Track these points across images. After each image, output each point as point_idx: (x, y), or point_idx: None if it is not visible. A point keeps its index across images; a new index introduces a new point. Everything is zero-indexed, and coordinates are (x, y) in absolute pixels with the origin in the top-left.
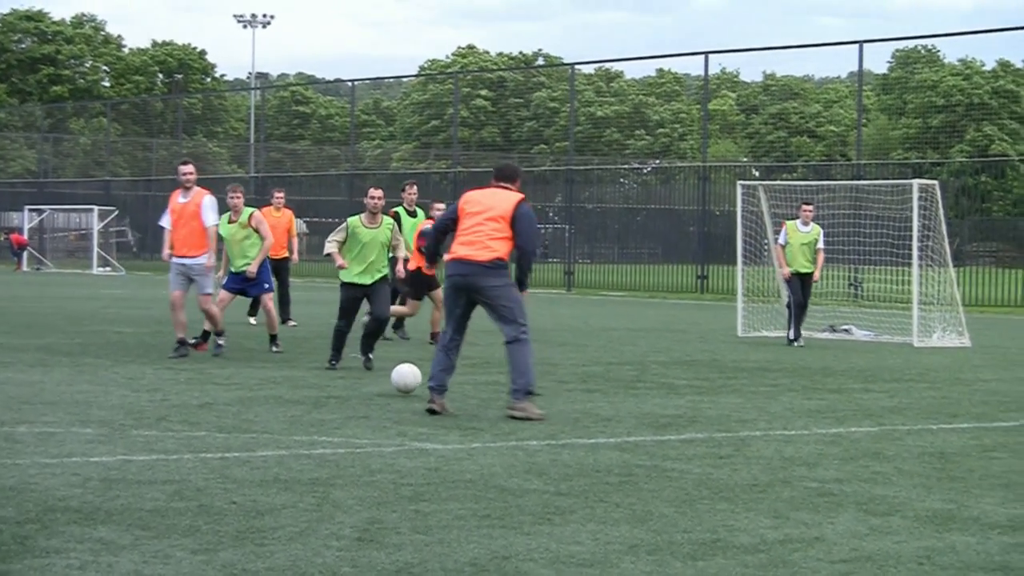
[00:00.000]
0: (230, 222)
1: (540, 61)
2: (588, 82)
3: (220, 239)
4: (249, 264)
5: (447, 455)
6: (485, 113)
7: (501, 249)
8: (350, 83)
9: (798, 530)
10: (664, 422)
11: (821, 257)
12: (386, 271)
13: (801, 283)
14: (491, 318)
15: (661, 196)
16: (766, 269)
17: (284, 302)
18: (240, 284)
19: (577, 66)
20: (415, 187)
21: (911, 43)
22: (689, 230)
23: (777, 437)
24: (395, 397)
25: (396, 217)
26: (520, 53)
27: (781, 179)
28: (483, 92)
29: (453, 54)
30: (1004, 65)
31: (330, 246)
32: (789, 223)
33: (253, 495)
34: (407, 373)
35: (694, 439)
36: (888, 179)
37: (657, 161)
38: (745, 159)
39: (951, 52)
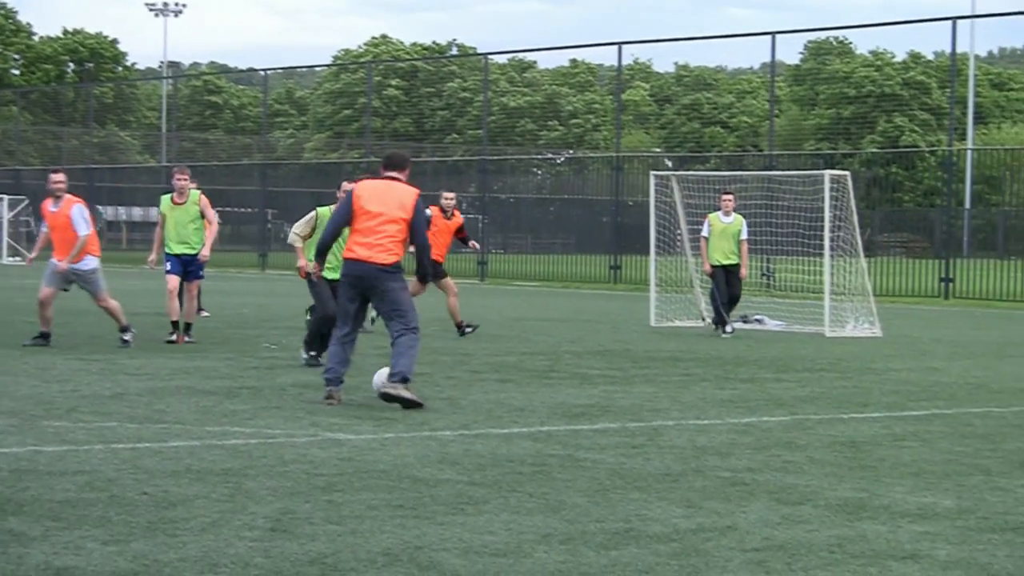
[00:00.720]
0: (174, 203)
1: (454, 51)
2: (501, 72)
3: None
4: (197, 249)
5: (360, 445)
6: (398, 103)
7: (401, 252)
8: (263, 72)
9: (710, 519)
10: (577, 412)
11: (745, 248)
12: None
13: (726, 275)
14: (381, 312)
15: (574, 186)
16: (679, 259)
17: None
18: (183, 267)
19: (491, 56)
20: None
21: (823, 34)
22: (602, 220)
23: (690, 427)
24: (308, 387)
25: None
26: (434, 43)
27: (694, 170)
28: (394, 82)
29: (366, 44)
30: (915, 57)
31: (294, 239)
32: (711, 215)
33: (165, 486)
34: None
35: (607, 429)
36: (800, 170)
37: (570, 151)
38: (658, 149)
39: (862, 43)
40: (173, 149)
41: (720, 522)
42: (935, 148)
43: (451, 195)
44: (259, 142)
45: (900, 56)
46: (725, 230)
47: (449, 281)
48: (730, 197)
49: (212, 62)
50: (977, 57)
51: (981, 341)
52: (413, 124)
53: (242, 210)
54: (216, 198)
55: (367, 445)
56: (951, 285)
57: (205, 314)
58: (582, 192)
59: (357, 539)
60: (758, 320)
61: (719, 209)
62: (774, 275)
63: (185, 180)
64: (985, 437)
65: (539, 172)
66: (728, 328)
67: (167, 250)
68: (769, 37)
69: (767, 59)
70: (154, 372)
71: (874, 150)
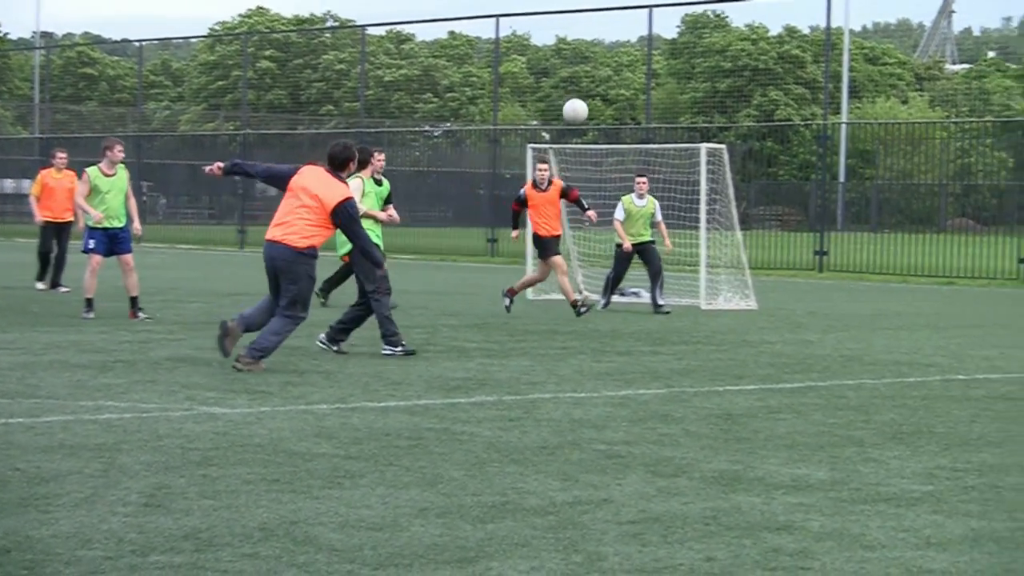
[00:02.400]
0: (105, 175)
1: (330, 22)
2: (378, 44)
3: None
4: (124, 222)
5: (235, 419)
6: (272, 75)
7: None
8: (137, 43)
9: (587, 492)
10: (454, 385)
11: (663, 228)
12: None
13: (643, 251)
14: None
15: (451, 159)
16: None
17: (59, 267)
18: (109, 242)
19: (368, 28)
20: (383, 155)
21: (700, 8)
22: (479, 193)
23: (566, 399)
24: (183, 361)
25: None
26: (312, 14)
27: (571, 143)
28: (268, 53)
29: (240, 15)
30: (790, 31)
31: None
32: (624, 198)
33: (37, 461)
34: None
35: (484, 402)
36: (677, 143)
37: (447, 124)
38: (535, 122)
39: (738, 17)
40: (46, 121)
41: (596, 495)
42: (810, 122)
43: (544, 166)
44: (134, 113)
45: (776, 30)
46: (639, 213)
47: (558, 259)
48: (644, 180)
49: (86, 32)
50: (851, 31)
51: (855, 314)
52: (288, 96)
53: None
54: None
55: (242, 419)
56: (825, 258)
57: (65, 289)
58: (459, 165)
59: (232, 514)
60: (634, 293)
61: (632, 191)
62: None
63: (122, 153)
64: (858, 409)
65: (416, 144)
66: (602, 303)
67: (88, 223)
68: (646, 10)
69: (644, 32)
70: (26, 346)
71: (750, 123)
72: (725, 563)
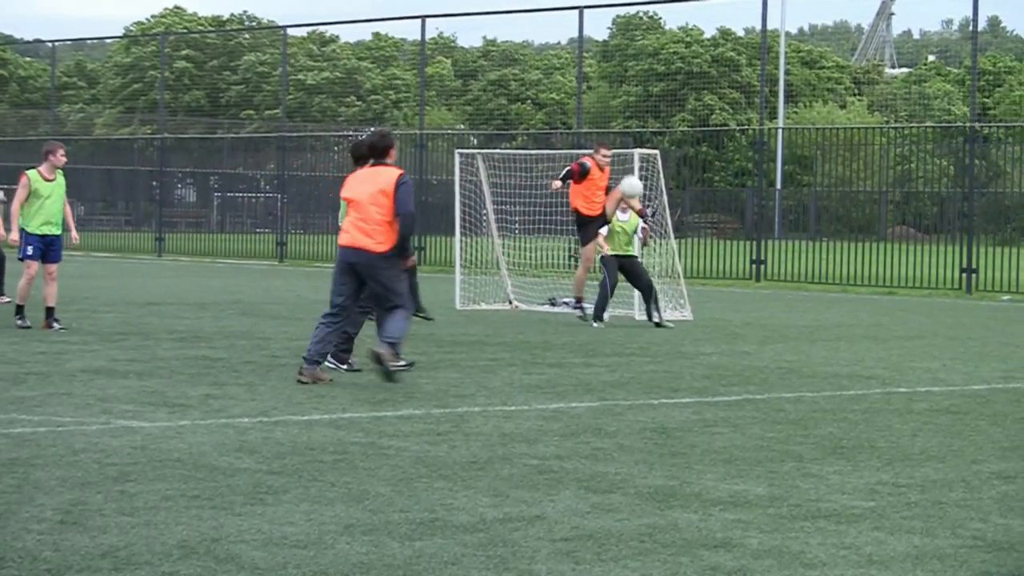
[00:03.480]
0: (45, 179)
1: (246, 22)
2: (299, 46)
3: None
4: (60, 229)
5: (154, 433)
6: (190, 76)
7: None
8: (50, 44)
9: (518, 508)
10: (380, 398)
11: (646, 235)
12: None
13: (628, 267)
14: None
15: None
16: (485, 240)
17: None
18: (45, 248)
19: (290, 29)
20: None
21: (632, 9)
22: None
23: (496, 413)
24: (99, 373)
25: None
26: (232, 15)
27: (501, 147)
28: (186, 53)
29: (156, 16)
30: (725, 33)
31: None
32: None
33: None
34: (636, 183)
35: (411, 415)
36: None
37: (372, 129)
38: (463, 126)
39: (672, 19)
40: None
41: (528, 511)
42: (745, 127)
43: (608, 152)
44: (47, 116)
45: (710, 32)
46: (623, 227)
47: (589, 250)
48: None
49: None
50: (788, 34)
51: (793, 324)
52: (207, 99)
53: None
54: (3, 176)
55: (161, 433)
56: (763, 267)
57: (6, 300)
58: None
59: (151, 531)
60: (566, 303)
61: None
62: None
63: (64, 157)
64: (797, 422)
65: (339, 150)
66: (597, 324)
67: (30, 229)
68: (576, 11)
69: (575, 34)
70: None
71: (684, 128)
72: None
